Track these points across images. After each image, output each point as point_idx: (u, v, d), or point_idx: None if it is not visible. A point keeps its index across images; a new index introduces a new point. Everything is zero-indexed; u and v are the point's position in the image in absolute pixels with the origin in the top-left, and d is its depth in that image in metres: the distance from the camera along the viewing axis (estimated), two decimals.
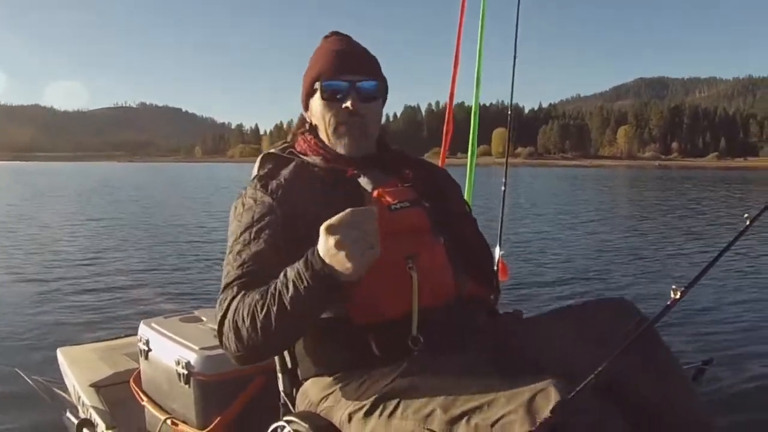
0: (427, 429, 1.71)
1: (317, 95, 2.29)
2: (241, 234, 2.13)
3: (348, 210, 1.69)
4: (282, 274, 1.83)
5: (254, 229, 2.11)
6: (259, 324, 1.83)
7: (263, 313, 1.82)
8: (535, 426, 1.52)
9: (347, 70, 2.26)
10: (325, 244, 1.69)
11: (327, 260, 1.70)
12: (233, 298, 1.95)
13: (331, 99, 2.26)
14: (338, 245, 1.66)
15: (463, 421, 1.65)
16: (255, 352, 1.94)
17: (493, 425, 1.60)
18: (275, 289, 1.82)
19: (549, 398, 1.57)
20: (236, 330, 1.89)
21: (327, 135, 2.31)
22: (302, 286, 1.75)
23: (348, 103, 2.23)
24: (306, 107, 2.40)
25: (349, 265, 1.67)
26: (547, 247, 14.15)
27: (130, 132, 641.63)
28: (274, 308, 1.80)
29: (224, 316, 1.96)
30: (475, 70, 4.39)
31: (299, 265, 1.77)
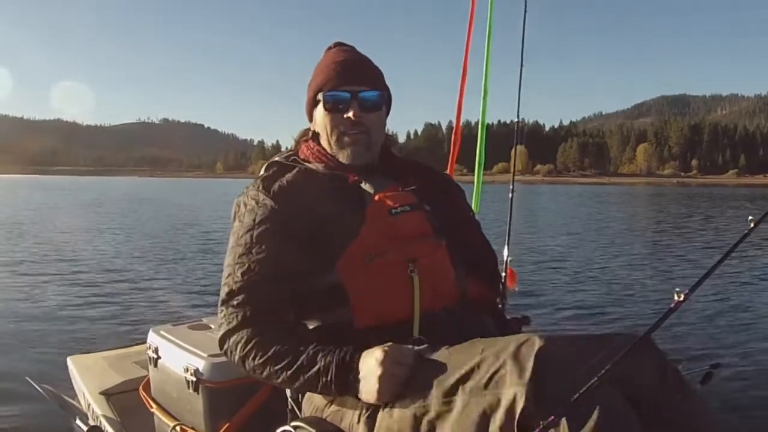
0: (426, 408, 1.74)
1: (320, 106, 2.32)
2: (243, 236, 2.17)
3: (409, 349, 1.88)
4: (312, 349, 1.96)
5: (255, 233, 2.15)
6: (266, 372, 2.01)
7: (275, 368, 1.99)
8: (524, 374, 1.57)
9: (349, 80, 2.28)
10: (373, 370, 1.83)
11: (363, 380, 1.85)
12: (245, 322, 2.07)
13: (333, 109, 2.29)
14: (383, 378, 1.81)
15: (459, 390, 1.68)
16: (251, 375, 2.08)
17: (486, 385, 1.63)
18: (298, 356, 1.96)
19: (533, 345, 1.61)
20: (243, 358, 2.05)
21: (330, 144, 2.34)
22: (323, 379, 1.91)
23: (350, 113, 2.26)
24: (310, 117, 2.43)
25: (375, 396, 1.83)
26: (555, 255, 14.29)
27: (153, 147, 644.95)
28: (287, 372, 1.96)
29: (230, 334, 2.08)
30: (482, 84, 4.38)
31: (333, 362, 1.90)
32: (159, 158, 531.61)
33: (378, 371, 1.81)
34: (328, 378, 1.88)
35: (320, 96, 2.31)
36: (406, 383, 1.79)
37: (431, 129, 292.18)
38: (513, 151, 4.44)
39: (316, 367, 1.91)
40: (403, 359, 1.82)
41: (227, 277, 2.14)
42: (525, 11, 4.35)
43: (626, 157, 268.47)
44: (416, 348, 1.89)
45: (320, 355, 1.92)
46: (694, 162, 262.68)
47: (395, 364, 1.81)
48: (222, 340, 2.10)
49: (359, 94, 2.27)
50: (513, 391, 1.57)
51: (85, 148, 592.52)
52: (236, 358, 2.05)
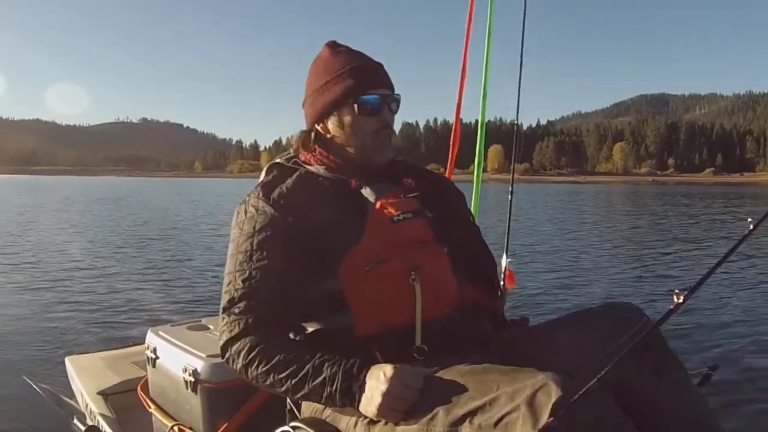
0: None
1: (348, 109, 2.28)
2: (243, 243, 2.15)
3: (420, 373, 1.86)
4: (318, 358, 1.95)
5: (256, 240, 2.13)
6: (270, 380, 1.99)
7: (279, 376, 1.97)
8: (537, 423, 1.55)
9: (380, 84, 2.29)
10: (380, 385, 1.82)
11: (366, 393, 1.85)
12: (247, 330, 2.05)
13: (370, 113, 2.26)
14: (387, 395, 1.80)
15: (466, 422, 1.68)
16: (254, 383, 2.06)
17: (496, 424, 1.63)
18: (304, 365, 1.95)
19: (550, 394, 1.58)
20: (246, 366, 2.03)
21: (355, 147, 2.31)
22: (328, 389, 1.90)
23: (385, 117, 2.28)
24: (319, 120, 2.35)
25: (375, 411, 1.82)
26: (551, 256, 14.25)
27: (131, 147, 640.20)
28: (292, 381, 1.95)
29: (232, 342, 2.07)
30: (482, 84, 4.34)
31: (339, 372, 1.90)
32: (137, 158, 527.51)
33: (383, 387, 1.80)
34: (334, 388, 1.88)
35: (351, 100, 2.26)
36: (409, 407, 1.79)
37: (408, 128, 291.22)
38: (513, 155, 4.41)
39: (322, 377, 1.90)
40: (412, 383, 1.81)
41: (228, 285, 2.12)
42: (524, 14, 4.33)
43: (603, 155, 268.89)
44: (427, 372, 1.87)
45: (327, 364, 1.91)
46: (670, 161, 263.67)
47: (403, 385, 1.80)
48: (224, 348, 2.08)
49: (390, 97, 2.30)
50: None
51: (65, 147, 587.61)
52: (239, 366, 2.04)
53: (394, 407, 1.79)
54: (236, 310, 2.07)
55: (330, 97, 2.29)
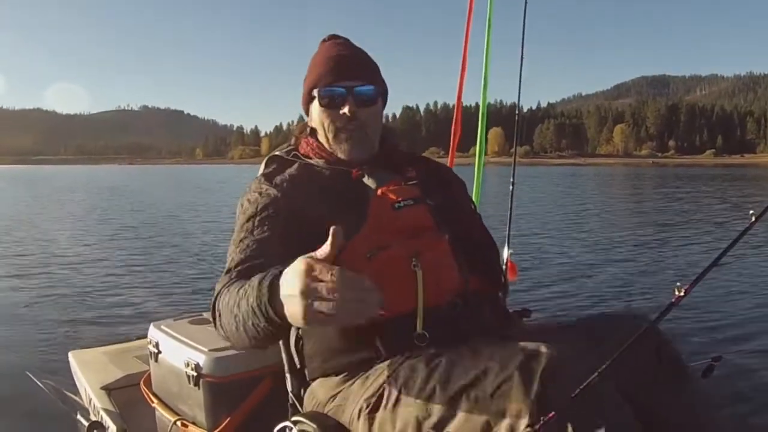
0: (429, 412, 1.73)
1: (316, 102, 2.32)
2: (245, 223, 2.15)
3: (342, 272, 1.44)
4: (249, 283, 1.72)
5: (258, 219, 2.14)
6: (227, 321, 1.83)
7: (230, 317, 1.79)
8: (530, 391, 1.56)
9: (344, 75, 2.28)
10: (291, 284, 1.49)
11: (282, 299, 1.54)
12: (228, 284, 1.94)
13: (329, 105, 2.29)
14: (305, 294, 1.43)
15: (463, 397, 1.68)
16: (232, 341, 1.90)
17: (492, 394, 1.62)
18: (239, 291, 1.76)
19: (540, 359, 1.60)
20: (215, 320, 1.92)
21: (327, 140, 2.34)
22: (250, 312, 1.66)
23: (345, 109, 2.26)
24: (307, 112, 2.43)
25: (298, 316, 1.46)
26: (552, 243, 14.23)
27: (133, 135, 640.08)
28: (232, 315, 1.77)
29: (215, 300, 1.98)
30: (483, 70, 4.34)
31: (253, 285, 1.67)
32: (139, 146, 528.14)
33: (296, 284, 1.45)
34: (249, 305, 1.64)
35: (315, 92, 2.30)
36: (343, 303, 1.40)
37: (409, 112, 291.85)
38: (514, 144, 4.42)
39: (245, 298, 1.68)
40: (325, 269, 1.45)
41: (228, 263, 2.09)
42: (525, 3, 4.32)
43: (603, 137, 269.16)
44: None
45: (248, 284, 1.71)
46: (671, 143, 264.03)
47: (312, 278, 1.44)
48: (212, 313, 1.95)
49: (354, 89, 2.27)
50: (518, 406, 1.57)
51: (66, 137, 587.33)
52: (217, 325, 1.92)
53: (316, 307, 1.40)
54: (227, 275, 2.00)
55: (304, 88, 2.38)
